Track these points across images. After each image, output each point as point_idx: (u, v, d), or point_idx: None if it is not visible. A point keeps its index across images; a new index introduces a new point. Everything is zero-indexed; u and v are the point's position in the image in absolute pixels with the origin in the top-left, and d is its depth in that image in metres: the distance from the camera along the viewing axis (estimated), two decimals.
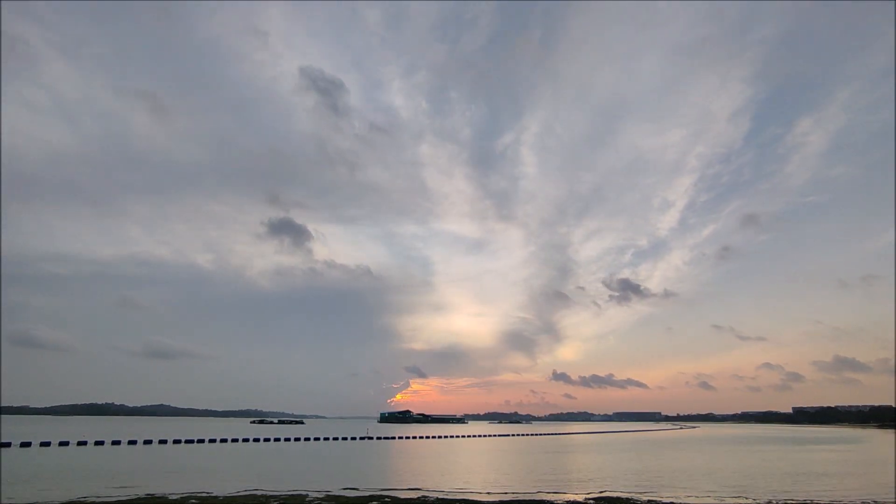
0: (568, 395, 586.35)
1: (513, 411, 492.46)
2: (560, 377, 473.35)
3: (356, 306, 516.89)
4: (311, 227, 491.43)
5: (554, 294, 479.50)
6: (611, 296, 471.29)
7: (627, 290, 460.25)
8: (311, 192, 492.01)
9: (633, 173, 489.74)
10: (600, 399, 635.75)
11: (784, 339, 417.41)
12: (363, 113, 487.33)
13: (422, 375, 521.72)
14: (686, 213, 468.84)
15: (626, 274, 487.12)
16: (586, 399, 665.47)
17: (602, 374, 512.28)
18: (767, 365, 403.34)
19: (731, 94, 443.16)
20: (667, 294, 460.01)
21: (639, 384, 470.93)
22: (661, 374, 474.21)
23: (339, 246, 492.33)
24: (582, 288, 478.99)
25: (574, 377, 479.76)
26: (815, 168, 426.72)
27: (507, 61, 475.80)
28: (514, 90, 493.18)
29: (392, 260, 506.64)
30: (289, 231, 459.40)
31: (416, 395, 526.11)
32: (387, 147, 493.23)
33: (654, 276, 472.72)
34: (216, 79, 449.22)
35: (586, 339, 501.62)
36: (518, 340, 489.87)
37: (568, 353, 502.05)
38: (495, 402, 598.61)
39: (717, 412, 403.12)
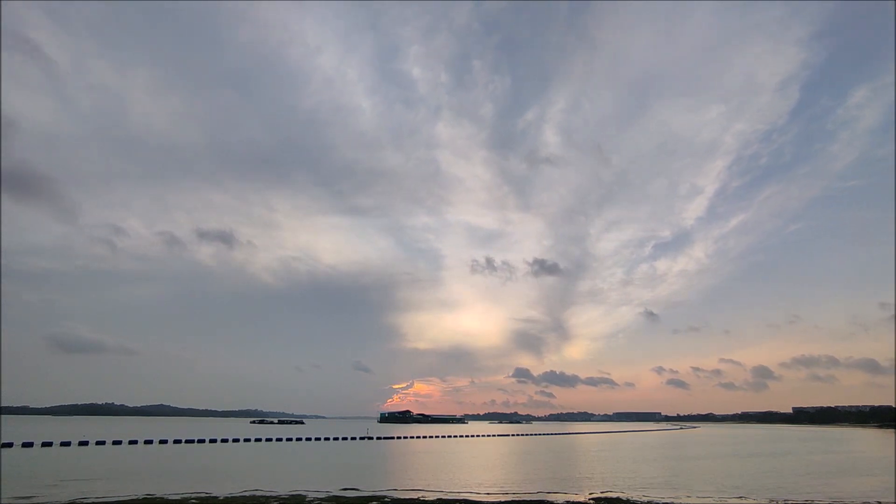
0: (569, 395, 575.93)
1: (513, 411, 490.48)
2: (562, 377, 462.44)
3: (360, 303, 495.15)
4: (314, 218, 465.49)
5: (566, 291, 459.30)
6: (623, 293, 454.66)
7: (642, 287, 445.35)
8: (317, 179, 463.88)
9: (662, 156, 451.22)
10: (602, 399, 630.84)
11: (802, 338, 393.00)
12: (378, 87, 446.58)
13: (425, 376, 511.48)
14: (715, 200, 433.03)
15: (643, 269, 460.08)
16: (587, 399, 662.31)
17: (607, 373, 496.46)
18: (773, 365, 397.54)
19: (783, 58, 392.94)
20: (683, 290, 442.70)
21: (642, 384, 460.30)
22: (665, 374, 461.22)
23: (344, 239, 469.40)
24: (596, 284, 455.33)
25: (577, 377, 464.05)
26: (863, 147, 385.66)
27: (536, 22, 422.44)
28: (542, 58, 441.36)
29: (400, 254, 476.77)
30: (290, 223, 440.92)
31: (418, 395, 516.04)
32: (401, 127, 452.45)
33: (672, 271, 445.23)
34: (217, 47, 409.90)
35: (595, 338, 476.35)
36: (525, 339, 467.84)
37: (575, 353, 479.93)
38: (496, 402, 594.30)
39: (717, 412, 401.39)
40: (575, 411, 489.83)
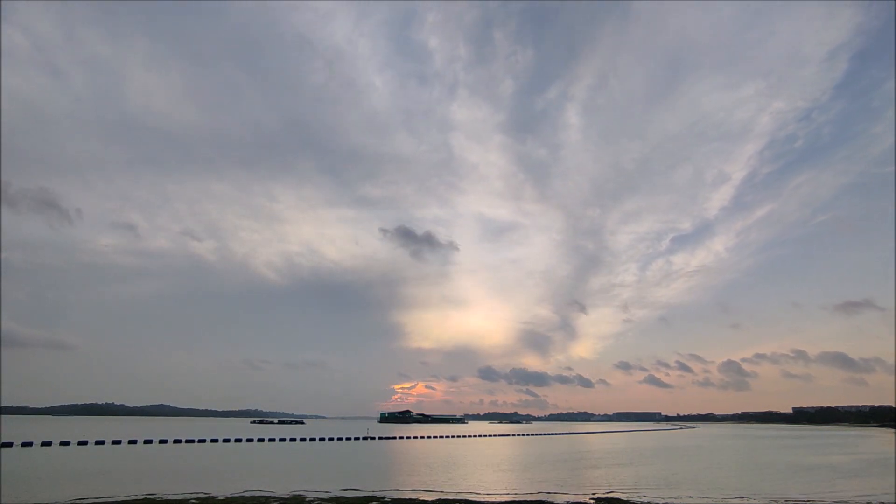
0: (569, 395, 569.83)
1: (513, 411, 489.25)
2: (565, 377, 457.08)
3: (364, 301, 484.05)
4: (318, 210, 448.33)
5: (576, 288, 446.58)
6: (636, 291, 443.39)
7: (655, 284, 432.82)
8: (322, 165, 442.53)
9: (690, 139, 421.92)
10: (603, 398, 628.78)
11: (814, 335, 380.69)
12: (392, 61, 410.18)
13: (427, 375, 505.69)
14: (743, 188, 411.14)
15: (659, 264, 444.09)
16: (587, 398, 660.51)
17: (611, 373, 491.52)
18: (782, 361, 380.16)
19: (835, 23, 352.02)
20: (697, 287, 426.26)
21: (646, 383, 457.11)
22: (671, 373, 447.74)
23: (349, 232, 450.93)
24: (608, 281, 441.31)
25: (580, 377, 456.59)
26: None
27: None
28: (571, 25, 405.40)
29: (407, 248, 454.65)
30: (293, 216, 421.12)
31: (418, 394, 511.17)
32: (414, 107, 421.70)
33: (689, 266, 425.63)
34: (218, 11, 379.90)
35: (603, 337, 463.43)
36: (531, 338, 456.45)
37: (581, 352, 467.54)
38: (496, 402, 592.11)
39: (717, 412, 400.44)
40: (575, 411, 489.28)
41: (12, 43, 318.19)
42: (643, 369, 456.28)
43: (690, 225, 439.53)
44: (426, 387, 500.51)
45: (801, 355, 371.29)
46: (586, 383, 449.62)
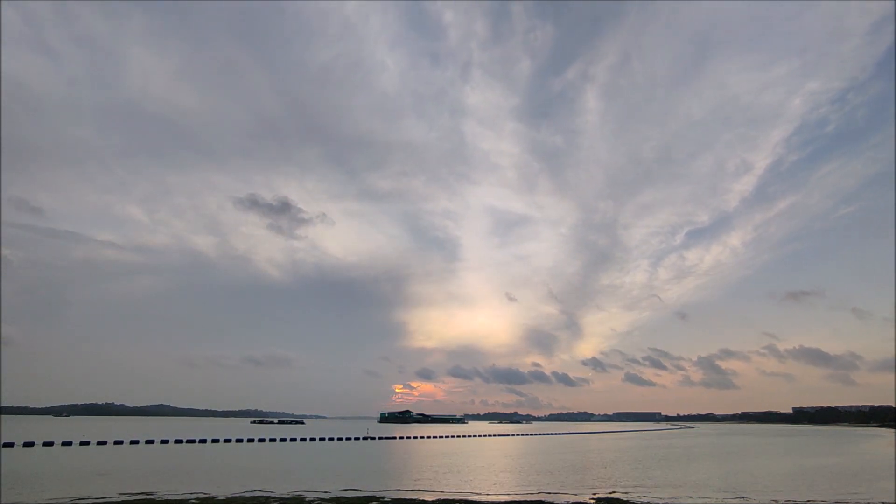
0: (570, 395, 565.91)
1: (513, 411, 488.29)
2: (568, 377, 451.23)
3: (366, 298, 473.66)
4: (323, 204, 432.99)
5: (585, 285, 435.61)
6: (646, 289, 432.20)
7: (666, 281, 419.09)
8: (328, 153, 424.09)
9: (713, 125, 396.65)
10: (603, 398, 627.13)
11: (816, 337, 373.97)
12: (404, 37, 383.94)
13: (428, 374, 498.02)
14: (767, 178, 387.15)
15: (672, 259, 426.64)
16: (589, 398, 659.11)
17: (614, 373, 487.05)
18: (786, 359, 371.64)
19: None
20: (709, 284, 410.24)
21: (645, 382, 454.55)
22: (667, 372, 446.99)
23: (354, 227, 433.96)
24: (617, 278, 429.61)
25: (583, 377, 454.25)
26: None
27: None
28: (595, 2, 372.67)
29: (413, 243, 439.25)
30: (296, 210, 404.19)
31: (418, 394, 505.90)
32: (425, 89, 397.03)
33: (703, 262, 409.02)
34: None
35: (608, 336, 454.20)
36: (537, 337, 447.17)
37: (586, 351, 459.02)
38: (496, 402, 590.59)
39: (717, 412, 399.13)
40: (575, 411, 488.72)
41: (4, 19, 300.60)
42: (647, 368, 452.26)
43: (707, 218, 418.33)
44: (427, 386, 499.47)
45: (804, 354, 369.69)
46: (590, 382, 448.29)
